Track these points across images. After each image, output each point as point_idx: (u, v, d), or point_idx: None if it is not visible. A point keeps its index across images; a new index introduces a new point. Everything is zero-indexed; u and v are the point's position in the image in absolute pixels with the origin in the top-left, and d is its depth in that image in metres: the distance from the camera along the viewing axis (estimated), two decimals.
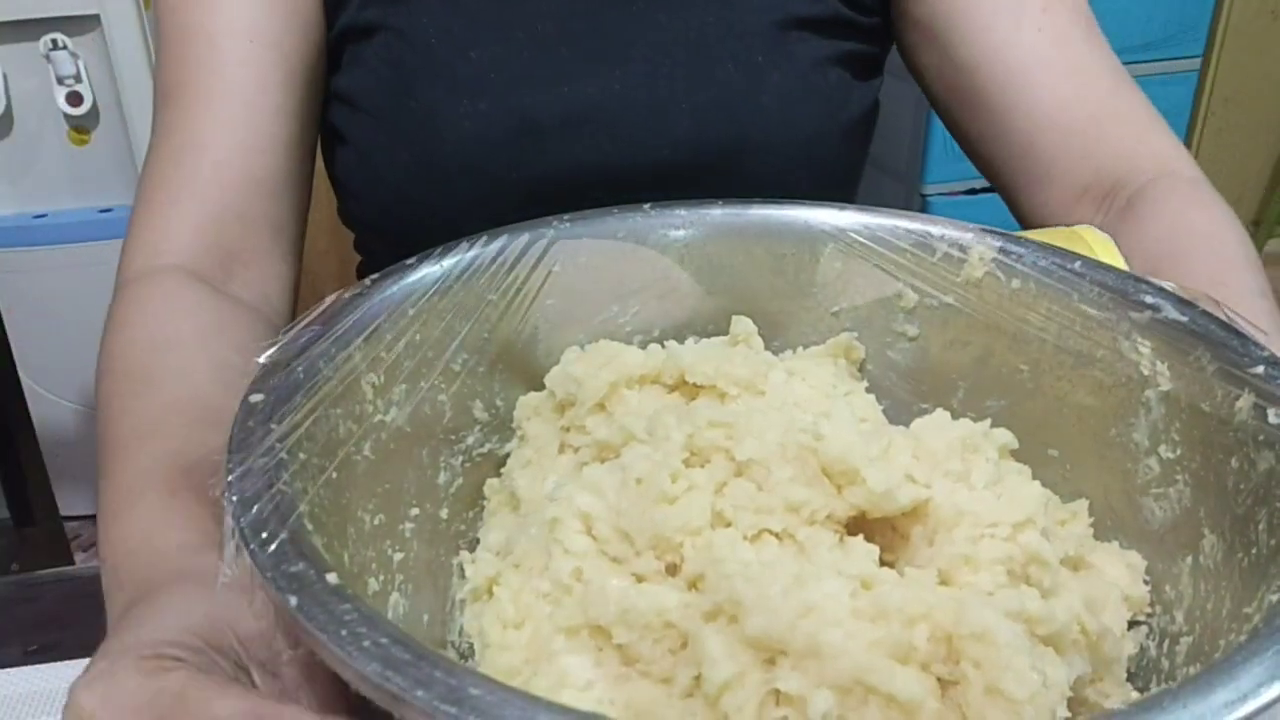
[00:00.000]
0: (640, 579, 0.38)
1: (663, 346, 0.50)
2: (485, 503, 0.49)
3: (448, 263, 0.48)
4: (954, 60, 0.65)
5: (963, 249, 0.50)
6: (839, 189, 0.71)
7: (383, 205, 0.69)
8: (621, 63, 0.65)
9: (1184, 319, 0.43)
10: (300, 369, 0.40)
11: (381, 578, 0.41)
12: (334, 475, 0.39)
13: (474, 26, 0.65)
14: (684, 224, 0.52)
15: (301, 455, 0.36)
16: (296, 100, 0.64)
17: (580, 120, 0.65)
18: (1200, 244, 0.56)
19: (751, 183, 0.63)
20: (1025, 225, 0.67)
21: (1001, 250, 0.49)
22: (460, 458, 0.48)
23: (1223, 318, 0.42)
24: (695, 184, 0.63)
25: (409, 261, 0.48)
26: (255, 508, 0.33)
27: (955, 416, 0.45)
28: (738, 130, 0.66)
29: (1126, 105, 0.63)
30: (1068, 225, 0.58)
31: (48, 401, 1.80)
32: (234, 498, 0.33)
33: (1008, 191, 0.68)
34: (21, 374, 1.50)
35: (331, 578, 0.30)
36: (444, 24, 0.64)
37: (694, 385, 0.47)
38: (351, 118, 0.67)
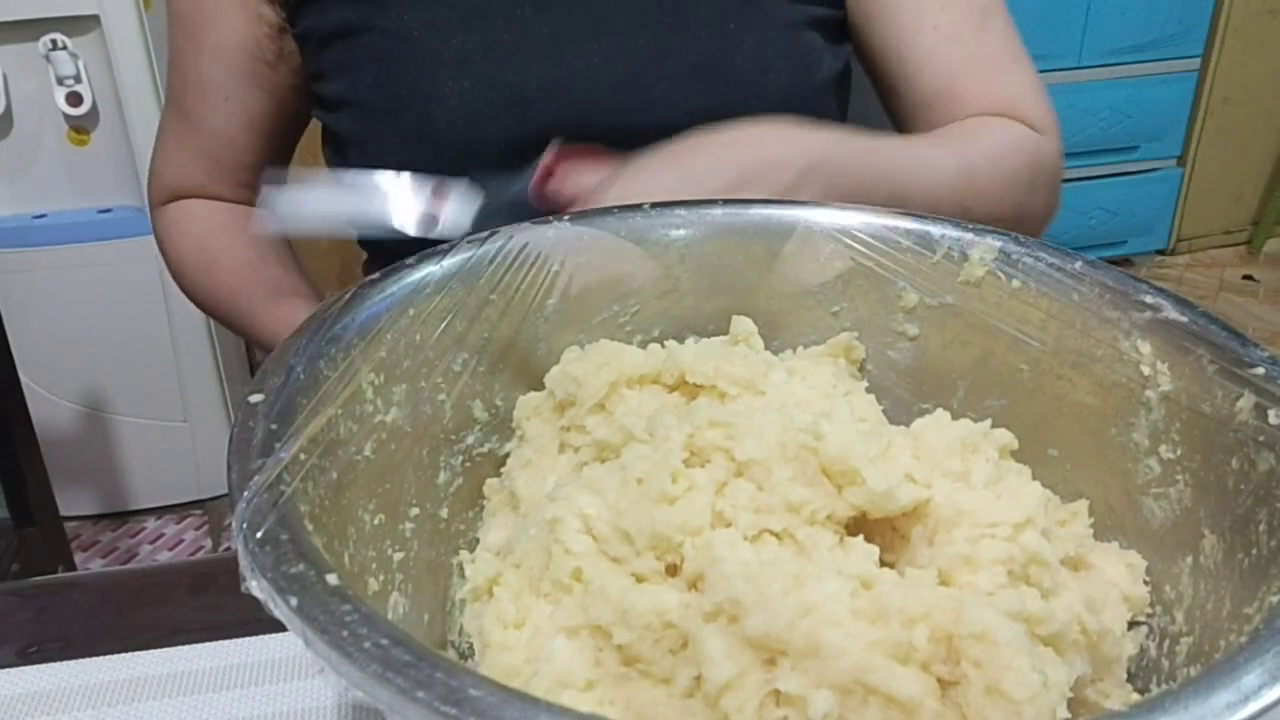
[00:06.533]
0: (640, 579, 0.38)
1: (663, 346, 0.50)
2: (485, 503, 0.49)
3: (448, 263, 0.48)
4: (873, 43, 0.73)
5: (963, 249, 0.50)
6: None
7: None
8: (598, 35, 0.69)
9: (1184, 319, 0.43)
10: (300, 369, 0.40)
11: (382, 578, 0.41)
12: (334, 475, 0.39)
13: (453, 16, 0.69)
14: (684, 224, 0.52)
15: (302, 455, 0.36)
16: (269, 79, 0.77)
17: (562, 90, 0.69)
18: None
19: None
20: None
21: (1002, 250, 0.49)
22: (460, 458, 0.48)
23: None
24: None
25: (409, 261, 0.48)
26: (255, 508, 0.33)
27: (955, 416, 0.45)
28: (714, 93, 0.69)
29: (980, 66, 0.71)
30: None
31: (48, 401, 1.80)
32: (234, 498, 0.33)
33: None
34: (21, 374, 1.50)
35: (332, 578, 0.30)
36: (425, 17, 0.69)
37: (694, 385, 0.47)
38: (345, 115, 0.72)
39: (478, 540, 0.47)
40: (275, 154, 0.80)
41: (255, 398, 0.38)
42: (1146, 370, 0.43)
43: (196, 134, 0.77)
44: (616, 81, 0.69)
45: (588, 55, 0.69)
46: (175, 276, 0.80)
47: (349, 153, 0.72)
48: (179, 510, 1.98)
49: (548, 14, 0.69)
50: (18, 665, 0.51)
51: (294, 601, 0.29)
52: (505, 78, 0.68)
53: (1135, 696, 0.40)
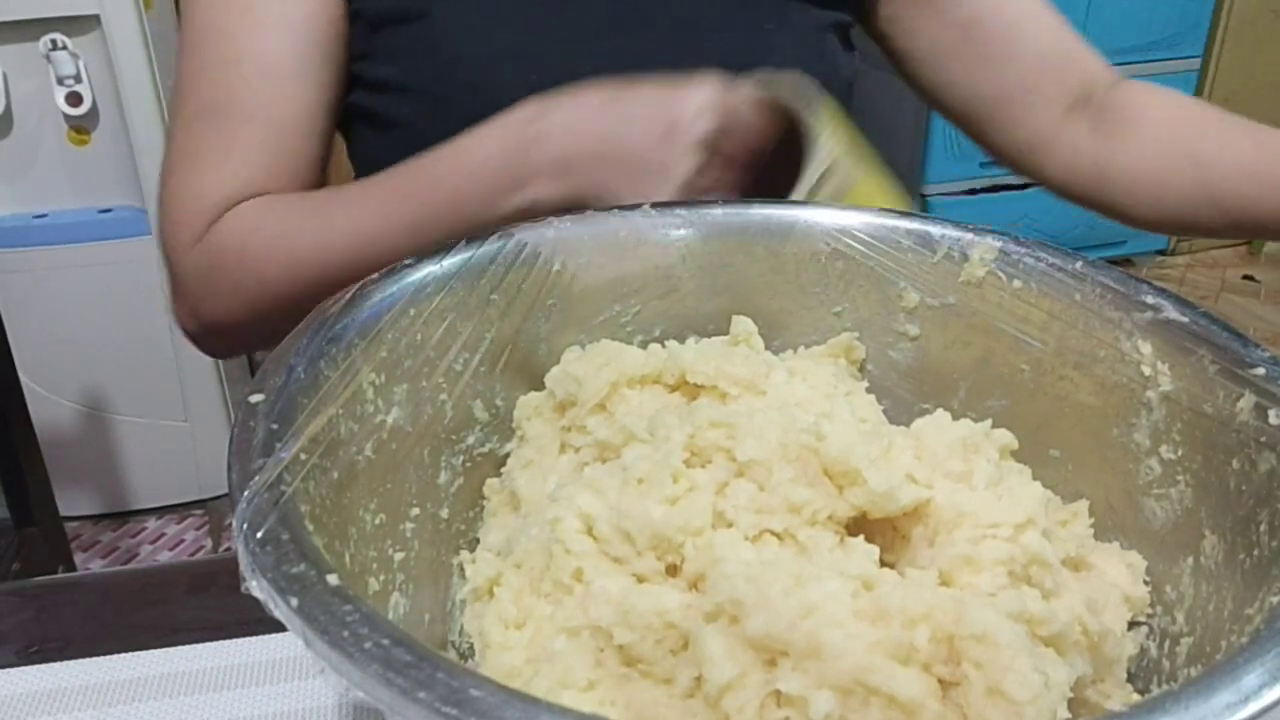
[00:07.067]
0: (641, 579, 0.38)
1: (663, 346, 0.50)
2: (486, 503, 0.49)
3: (449, 262, 0.48)
4: (951, 19, 0.76)
5: (963, 249, 0.50)
6: None
7: None
8: (643, 30, 0.71)
9: (1185, 319, 0.43)
10: (301, 369, 0.40)
11: (382, 578, 0.41)
12: (335, 475, 0.38)
13: (506, 7, 0.69)
14: (684, 224, 0.52)
15: (303, 456, 0.36)
16: (321, 62, 0.70)
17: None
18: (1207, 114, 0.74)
19: None
20: (1009, 152, 0.79)
21: (1002, 251, 0.49)
22: (461, 458, 0.48)
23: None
24: None
25: (409, 261, 0.48)
26: (256, 508, 0.33)
27: (956, 417, 0.45)
28: None
29: (1071, 32, 0.77)
30: (1054, 137, 0.74)
31: (48, 401, 1.80)
32: (235, 498, 0.33)
33: (992, 125, 0.78)
34: (21, 374, 1.50)
35: (332, 579, 0.30)
36: (474, 4, 0.69)
37: (695, 385, 0.47)
38: (393, 99, 0.70)
39: (478, 540, 0.47)
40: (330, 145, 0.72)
41: (256, 398, 0.38)
42: (1148, 371, 0.43)
43: (252, 129, 0.66)
44: (660, 77, 0.70)
45: (632, 50, 0.69)
46: (275, 254, 0.63)
47: (395, 134, 0.71)
48: (179, 510, 1.98)
49: (595, 9, 0.70)
50: (18, 665, 0.51)
51: (294, 602, 0.29)
52: (554, 71, 0.67)
53: (1136, 697, 0.40)
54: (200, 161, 0.67)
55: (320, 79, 0.69)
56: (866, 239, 0.51)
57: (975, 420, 0.46)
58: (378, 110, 0.72)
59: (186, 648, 0.52)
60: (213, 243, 0.65)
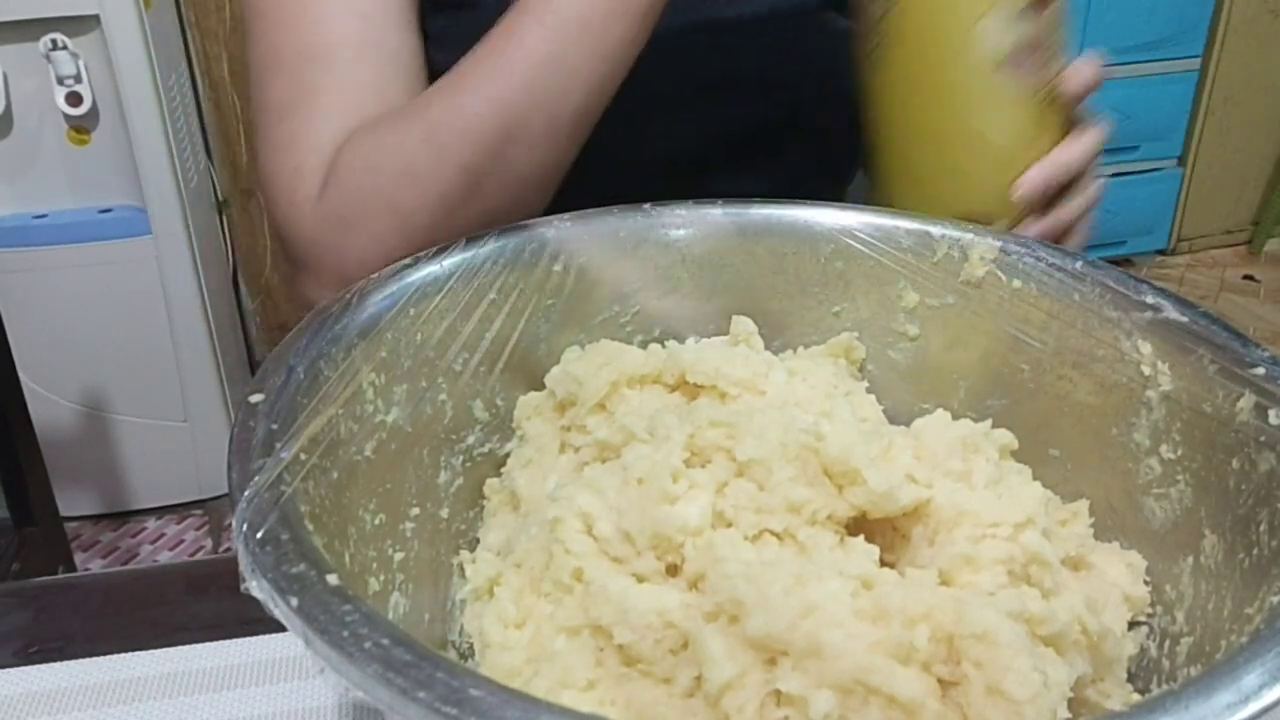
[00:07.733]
0: (641, 579, 0.38)
1: (663, 346, 0.50)
2: (486, 502, 0.49)
3: (448, 262, 0.48)
4: None
5: (963, 249, 0.50)
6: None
7: None
8: (708, 32, 0.71)
9: (1185, 319, 0.43)
10: (301, 369, 0.40)
11: (382, 577, 0.41)
12: (335, 475, 0.39)
13: None
14: (684, 224, 0.52)
15: (302, 455, 0.36)
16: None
17: (657, 74, 0.66)
18: None
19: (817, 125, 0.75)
20: None
21: (1002, 250, 0.49)
22: (461, 457, 0.48)
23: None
24: (777, 137, 0.73)
25: (408, 261, 0.48)
26: (256, 508, 0.33)
27: (956, 416, 0.45)
28: (797, 82, 0.74)
29: None
30: None
31: (48, 401, 1.80)
32: (235, 498, 0.33)
33: None
34: (21, 374, 1.49)
35: (332, 578, 0.30)
36: None
37: (695, 385, 0.47)
38: None
39: (478, 540, 0.47)
40: None
41: (255, 398, 0.38)
42: (1147, 370, 0.43)
43: (361, 67, 0.60)
44: (724, 80, 0.72)
45: (691, 44, 0.70)
46: (416, 136, 0.54)
47: None
48: (179, 510, 1.98)
49: None
50: (18, 665, 0.51)
51: (294, 601, 0.29)
52: (632, 75, 0.67)
53: (1136, 696, 0.40)
54: (306, 110, 0.59)
55: (419, 32, 0.64)
56: (866, 239, 0.52)
57: (975, 420, 0.46)
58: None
59: (186, 648, 0.52)
60: (336, 178, 0.56)
